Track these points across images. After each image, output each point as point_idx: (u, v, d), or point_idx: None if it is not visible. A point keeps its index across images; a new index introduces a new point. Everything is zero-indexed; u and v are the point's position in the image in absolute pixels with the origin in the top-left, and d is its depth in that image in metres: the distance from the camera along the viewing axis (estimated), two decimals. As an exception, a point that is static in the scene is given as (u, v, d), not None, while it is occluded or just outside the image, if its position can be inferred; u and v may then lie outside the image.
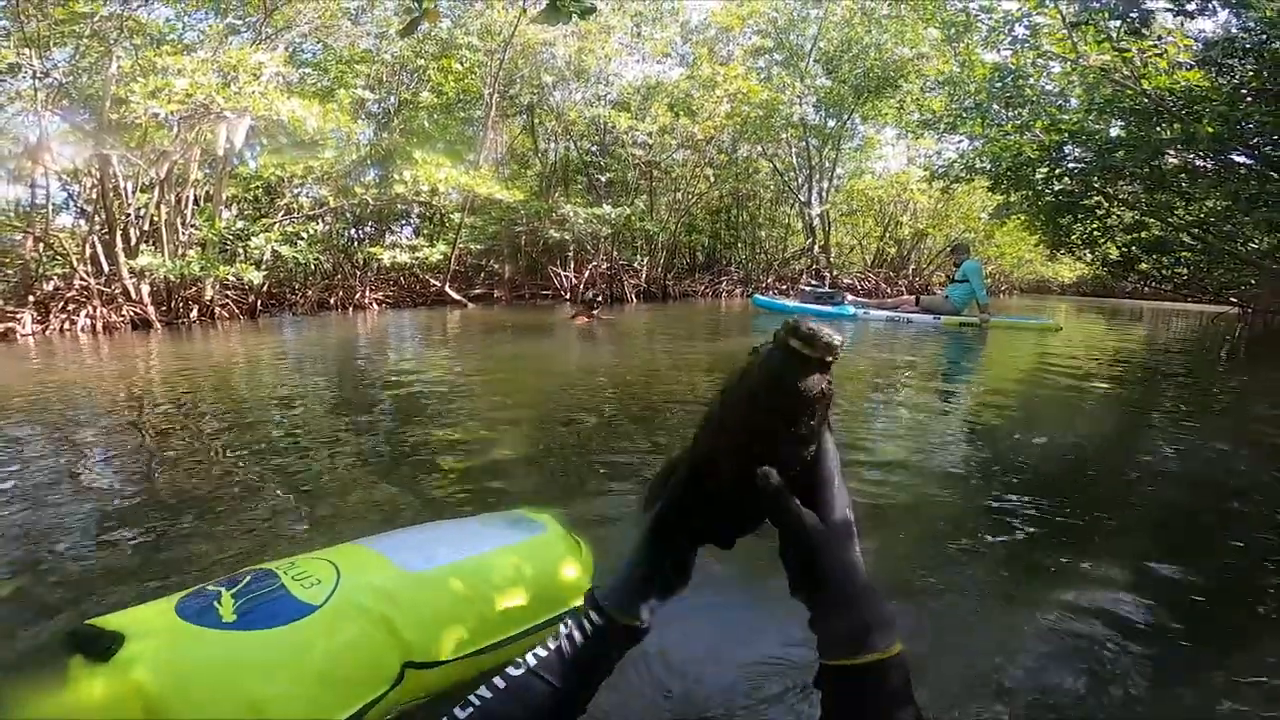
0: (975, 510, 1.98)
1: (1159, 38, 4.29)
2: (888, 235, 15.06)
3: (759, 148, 11.31)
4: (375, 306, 7.99)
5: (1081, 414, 3.47)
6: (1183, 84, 4.54)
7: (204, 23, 6.71)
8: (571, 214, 8.89)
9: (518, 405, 3.04)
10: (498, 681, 0.55)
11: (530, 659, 0.56)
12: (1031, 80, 6.16)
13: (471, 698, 0.54)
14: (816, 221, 13.15)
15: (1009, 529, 1.82)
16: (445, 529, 1.13)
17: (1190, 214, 7.75)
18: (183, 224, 6.03)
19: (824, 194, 13.01)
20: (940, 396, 3.81)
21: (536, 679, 0.54)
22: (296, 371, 3.89)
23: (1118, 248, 9.15)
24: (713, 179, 10.70)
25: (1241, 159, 5.56)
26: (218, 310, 6.18)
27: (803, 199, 12.85)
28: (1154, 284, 12.36)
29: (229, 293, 6.47)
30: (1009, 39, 5.98)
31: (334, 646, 0.77)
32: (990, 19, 6.19)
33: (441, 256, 8.28)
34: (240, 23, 6.54)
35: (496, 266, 10.35)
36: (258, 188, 7.62)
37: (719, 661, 1.15)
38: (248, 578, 0.82)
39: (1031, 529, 1.83)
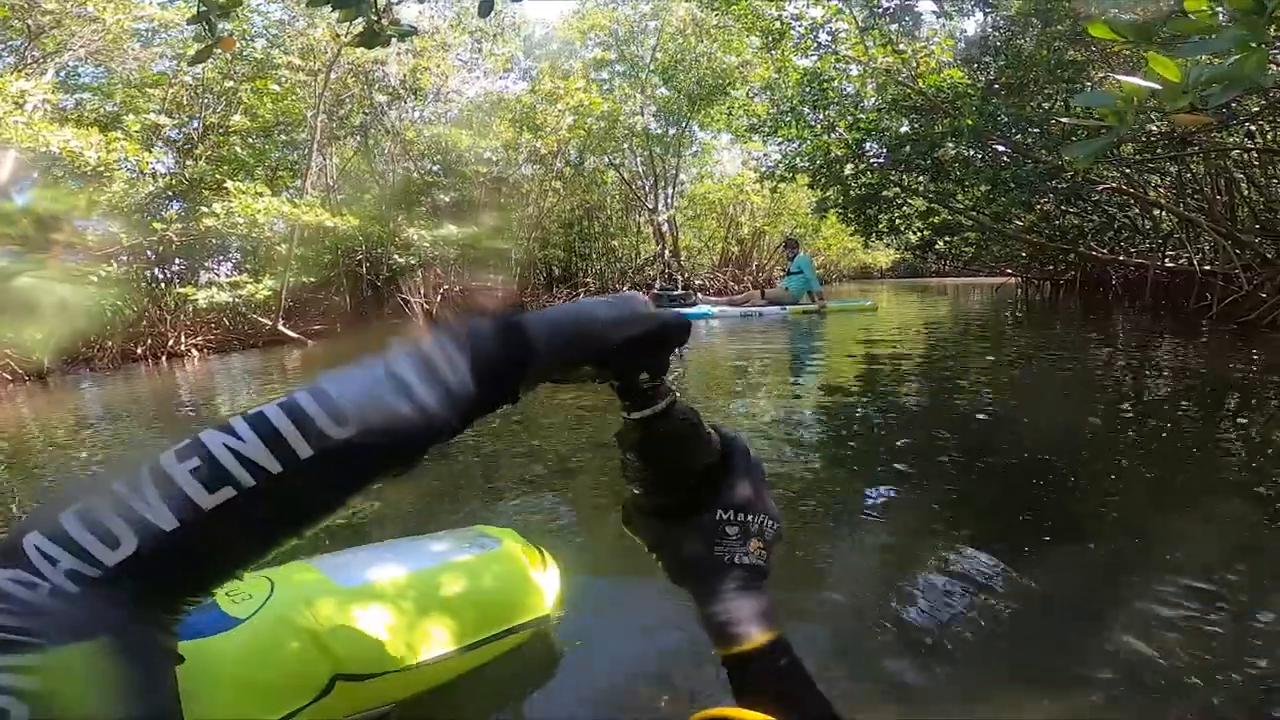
0: (829, 471, 2.22)
1: (928, 39, 5.02)
2: (730, 235, 16.07)
3: (605, 158, 11.57)
4: (195, 353, 7.06)
5: (906, 379, 4.03)
6: (949, 82, 5.36)
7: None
8: (416, 237, 8.49)
9: None
10: (296, 442, 0.31)
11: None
12: (834, 83, 6.92)
13: (228, 461, 0.30)
14: (665, 227, 13.70)
15: (852, 479, 2.06)
16: (394, 548, 1.13)
17: (967, 199, 9.09)
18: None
19: (670, 200, 13.60)
20: (794, 375, 4.32)
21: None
22: (113, 436, 3.32)
23: (915, 233, 10.46)
24: (562, 192, 10.77)
25: (1001, 148, 6.65)
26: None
27: (650, 206, 13.33)
28: (949, 262, 14.40)
29: (5, 351, 5.40)
30: (815, 45, 6.68)
31: (254, 657, 0.79)
32: (800, 26, 6.86)
33: (270, 292, 7.50)
34: (1, 46, 5.57)
35: (337, 299, 9.60)
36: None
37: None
38: None
39: (876, 486, 2.09)
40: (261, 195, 6.49)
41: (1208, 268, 6.43)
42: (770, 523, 0.50)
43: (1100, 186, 6.86)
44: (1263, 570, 1.43)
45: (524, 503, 2.00)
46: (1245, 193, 6.47)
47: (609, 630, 1.31)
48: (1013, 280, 14.08)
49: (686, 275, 14.59)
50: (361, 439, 0.33)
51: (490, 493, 2.14)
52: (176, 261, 8.05)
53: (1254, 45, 0.86)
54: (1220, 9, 0.90)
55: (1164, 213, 7.47)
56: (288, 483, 0.31)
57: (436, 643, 0.93)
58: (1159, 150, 5.09)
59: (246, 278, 7.60)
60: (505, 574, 1.07)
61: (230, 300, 7.10)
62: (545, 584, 1.11)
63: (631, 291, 0.50)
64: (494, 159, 9.48)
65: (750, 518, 0.49)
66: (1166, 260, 7.77)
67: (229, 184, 6.48)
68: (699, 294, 10.40)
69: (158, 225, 6.68)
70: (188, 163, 7.62)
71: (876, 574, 1.51)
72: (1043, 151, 6.20)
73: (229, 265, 8.74)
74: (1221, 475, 2.06)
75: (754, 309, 8.55)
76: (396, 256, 8.74)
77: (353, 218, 7.78)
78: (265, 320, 7.88)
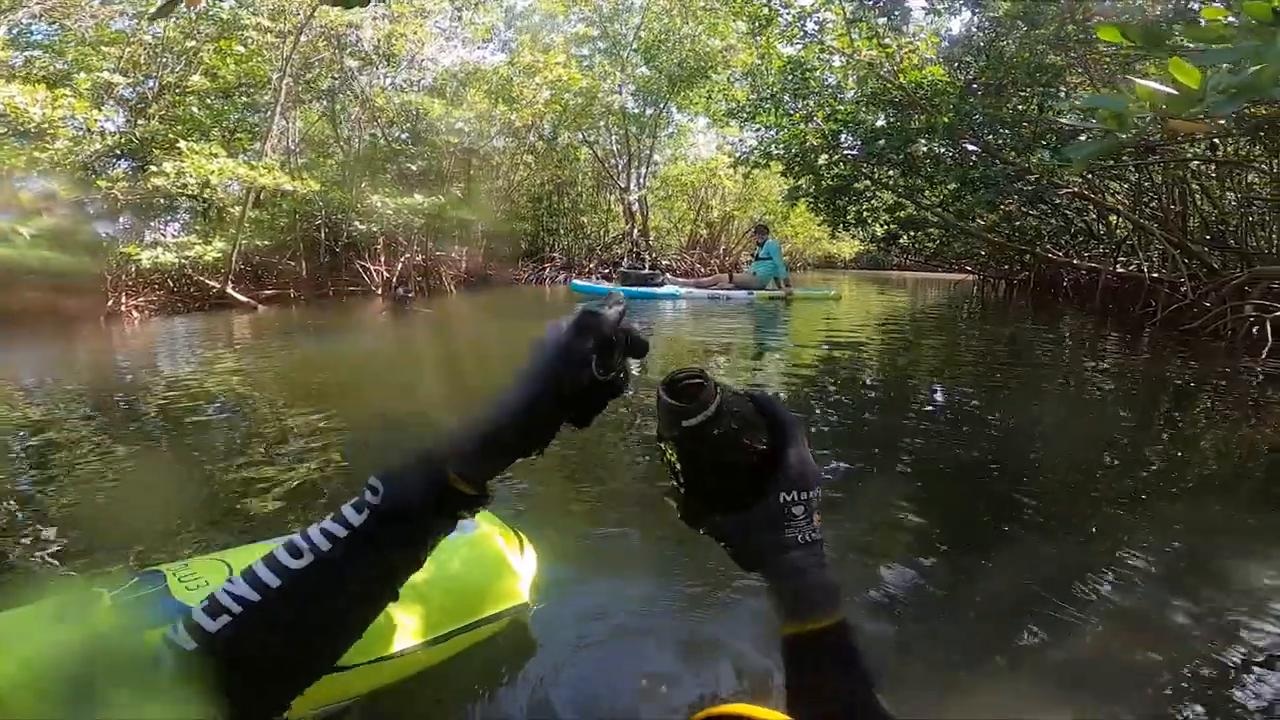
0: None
1: (914, 35, 5.06)
2: (699, 218, 16.05)
3: (579, 135, 11.36)
4: (135, 314, 6.69)
5: (865, 370, 4.16)
6: (929, 79, 5.41)
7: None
8: (380, 204, 8.21)
9: (337, 411, 2.72)
10: (268, 577, 0.41)
11: (320, 540, 0.42)
12: (817, 73, 6.92)
13: (223, 599, 0.40)
14: (635, 206, 13.59)
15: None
16: None
17: (934, 195, 9.27)
18: None
19: (642, 180, 13.48)
20: (755, 360, 4.41)
21: (331, 569, 0.41)
22: (61, 405, 3.07)
23: (882, 226, 10.63)
24: (533, 166, 10.54)
25: (971, 147, 6.78)
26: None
27: (622, 185, 13.18)
28: (911, 256, 14.72)
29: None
30: (802, 33, 6.64)
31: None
32: (789, 13, 6.80)
33: (219, 255, 7.16)
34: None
35: (292, 264, 9.23)
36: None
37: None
38: (134, 580, 0.81)
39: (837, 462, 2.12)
40: (216, 156, 6.20)
41: (1156, 275, 6.72)
42: (819, 491, 0.49)
43: (1062, 190, 7.06)
44: (1183, 560, 1.50)
45: (497, 480, 1.92)
46: (1199, 204, 6.76)
47: (589, 619, 1.25)
48: (970, 277, 14.48)
49: (654, 255, 14.55)
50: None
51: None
52: (120, 221, 7.66)
53: (1268, 55, 0.85)
54: (1234, 18, 0.89)
55: (1120, 219, 7.76)
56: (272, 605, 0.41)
57: (406, 633, 0.87)
58: (1124, 157, 5.26)
59: (195, 239, 7.26)
60: (480, 559, 1.00)
61: (176, 261, 6.76)
62: (522, 570, 1.05)
63: (548, 327, 0.47)
64: (466, 129, 9.18)
65: (811, 494, 0.48)
66: (1118, 266, 8.09)
67: (182, 144, 6.15)
68: (666, 274, 10.35)
69: (102, 183, 6.38)
70: (139, 122, 7.19)
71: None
72: (1012, 153, 6.34)
73: (176, 226, 8.32)
74: (1151, 473, 2.17)
75: (721, 292, 8.60)
76: (358, 223, 8.43)
77: (314, 182, 7.51)
78: (213, 283, 7.53)
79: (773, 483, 0.48)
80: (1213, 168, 6.11)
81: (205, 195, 7.08)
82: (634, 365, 0.46)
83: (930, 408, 3.10)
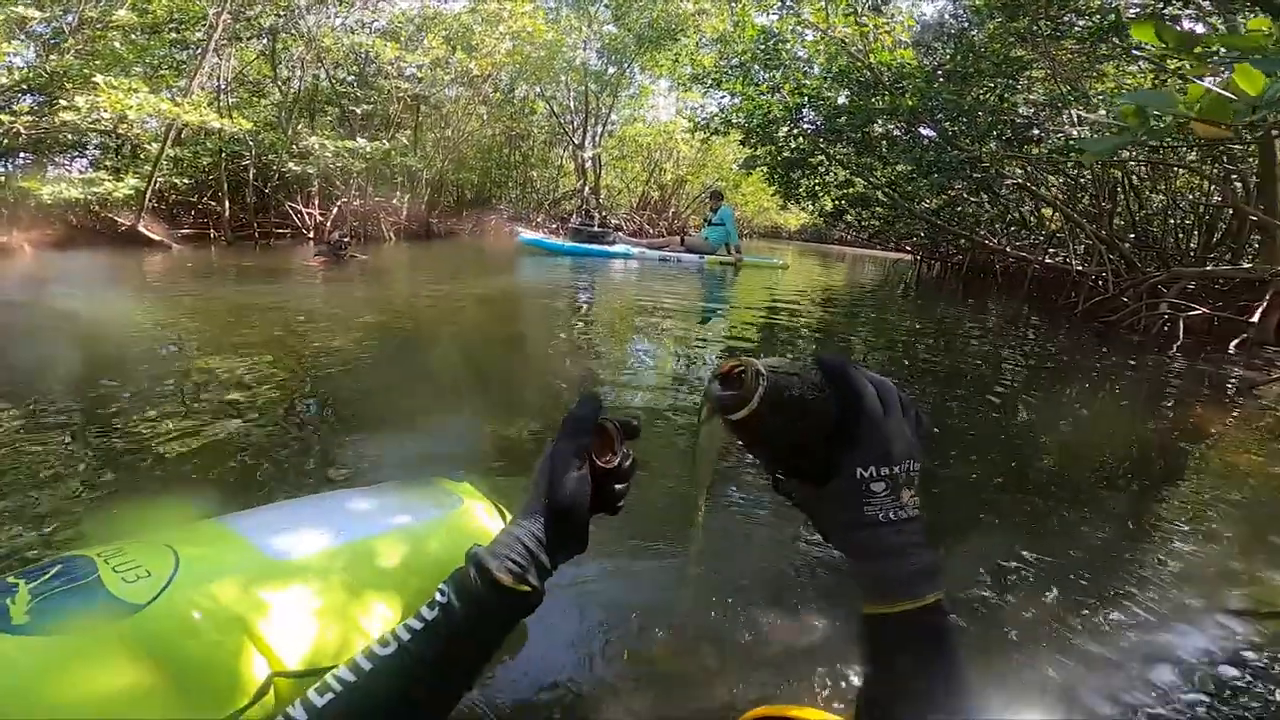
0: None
1: (891, 17, 5.07)
2: (652, 180, 15.84)
3: (537, 89, 10.88)
4: (28, 248, 6.03)
5: (801, 339, 4.31)
6: (898, 61, 5.46)
7: None
8: (318, 146, 7.66)
9: (263, 363, 2.49)
10: (362, 662, 0.47)
11: (403, 632, 0.48)
12: (788, 45, 6.84)
13: (330, 679, 0.46)
14: (589, 164, 13.23)
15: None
16: (332, 504, 0.90)
17: (885, 175, 9.47)
18: None
19: (598, 138, 13.11)
20: (702, 323, 4.53)
21: (410, 657, 0.47)
22: None
23: (832, 201, 10.80)
24: (485, 117, 10.03)
25: (927, 131, 6.94)
26: None
27: (576, 142, 12.78)
28: (855, 232, 15.12)
29: None
30: (779, 3, 6.51)
31: (160, 656, 0.60)
32: None
33: (132, 192, 6.55)
34: None
35: (214, 204, 8.52)
36: None
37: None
38: (56, 568, 0.67)
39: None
40: (136, 92, 5.65)
41: (1080, 269, 7.18)
42: (914, 464, 0.46)
43: (1007, 181, 7.37)
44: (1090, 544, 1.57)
45: (484, 449, 1.81)
46: (1129, 203, 7.23)
47: (584, 607, 1.15)
48: (908, 257, 15.05)
49: (604, 214, 14.31)
50: None
51: (451, 436, 1.93)
52: (21, 156, 6.93)
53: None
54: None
55: (1054, 212, 8.20)
56: None
57: (381, 625, 0.77)
58: (1070, 153, 5.53)
59: (105, 174, 6.65)
60: (462, 539, 0.87)
61: (82, 197, 6.16)
62: None
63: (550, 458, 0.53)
64: (418, 76, 8.60)
65: (897, 469, 0.44)
66: (1046, 257, 8.59)
67: (99, 79, 5.54)
68: (618, 233, 10.20)
69: (5, 118, 5.73)
70: (51, 57, 6.37)
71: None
72: (966, 140, 6.54)
73: (84, 162, 7.61)
74: (1047, 460, 2.30)
75: (673, 254, 8.63)
76: (292, 165, 7.84)
77: (245, 122, 6.97)
78: (124, 220, 6.88)
79: (848, 457, 0.44)
80: (1146, 168, 6.52)
81: (120, 131, 6.47)
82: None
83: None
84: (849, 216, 11.65)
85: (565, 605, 1.15)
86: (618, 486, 0.55)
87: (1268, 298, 5.09)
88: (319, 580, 0.72)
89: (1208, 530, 1.73)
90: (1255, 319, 5.05)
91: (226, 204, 8.50)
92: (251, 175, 8.38)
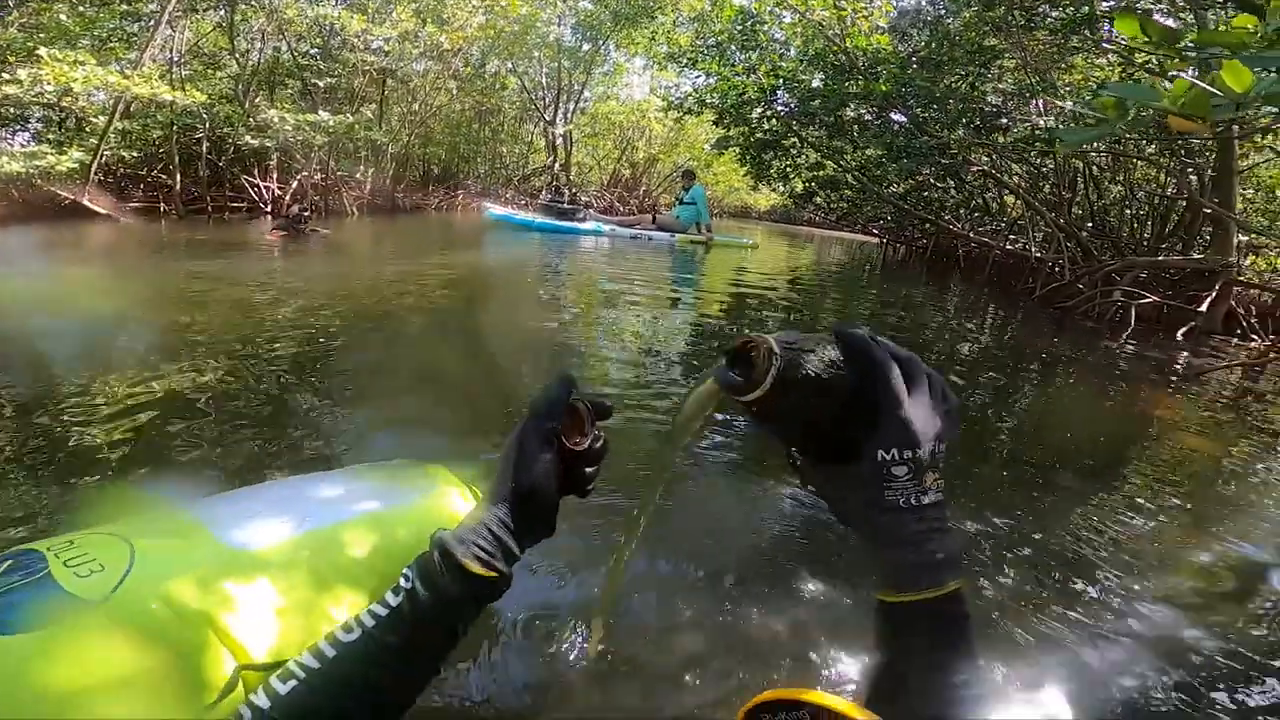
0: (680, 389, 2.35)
1: (870, 1, 5.07)
2: (624, 158, 15.68)
3: (509, 64, 10.60)
4: (-42, 224, 5.72)
5: (769, 319, 4.39)
6: (874, 46, 5.49)
7: None
8: (277, 120, 7.39)
9: (212, 341, 2.37)
10: (326, 648, 0.48)
11: (367, 619, 0.48)
12: (766, 27, 6.80)
13: (293, 666, 0.47)
14: (560, 141, 13.02)
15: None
16: (297, 489, 0.86)
17: (855, 159, 9.55)
18: None
19: (570, 115, 12.90)
20: (673, 300, 4.57)
21: (375, 643, 0.47)
22: None
23: (802, 183, 10.84)
24: (454, 92, 9.75)
25: (898, 117, 6.99)
26: None
27: (548, 118, 12.54)
28: (824, 214, 15.25)
29: None
30: None
31: (120, 654, 0.55)
32: None
33: (76, 165, 6.24)
34: None
35: (164, 177, 8.17)
36: None
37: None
38: (4, 564, 0.61)
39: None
40: (83, 64, 5.38)
41: (1039, 255, 7.39)
42: (940, 445, 0.44)
43: (973, 168, 7.51)
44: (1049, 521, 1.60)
45: (457, 429, 1.75)
46: (1088, 192, 7.43)
47: (568, 588, 1.10)
48: (874, 240, 15.26)
49: (574, 190, 14.13)
50: None
51: (420, 415, 1.87)
52: None
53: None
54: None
55: (1016, 200, 8.40)
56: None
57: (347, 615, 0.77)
58: (1037, 142, 5.65)
59: (48, 149, 6.35)
60: (432, 525, 0.85)
61: (23, 170, 5.87)
62: None
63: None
64: (385, 49, 8.30)
65: (920, 452, 0.42)
66: (1007, 243, 8.81)
67: (43, 51, 5.25)
68: (588, 209, 10.08)
69: None
70: None
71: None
72: (936, 126, 6.62)
73: (26, 135, 7.23)
74: (1008, 436, 2.39)
75: (644, 232, 8.61)
76: (249, 138, 7.55)
77: (198, 94, 6.68)
78: (66, 194, 6.55)
79: (868, 438, 0.43)
80: (1107, 159, 6.71)
81: (64, 105, 6.17)
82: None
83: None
84: (819, 198, 11.74)
85: (533, 593, 1.09)
86: (588, 469, 0.55)
87: (1216, 288, 5.32)
88: (284, 570, 0.69)
89: (1156, 507, 1.82)
90: (1204, 308, 5.29)
91: (178, 177, 8.12)
92: (205, 149, 8.05)
